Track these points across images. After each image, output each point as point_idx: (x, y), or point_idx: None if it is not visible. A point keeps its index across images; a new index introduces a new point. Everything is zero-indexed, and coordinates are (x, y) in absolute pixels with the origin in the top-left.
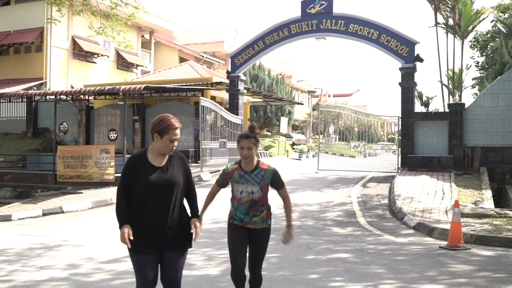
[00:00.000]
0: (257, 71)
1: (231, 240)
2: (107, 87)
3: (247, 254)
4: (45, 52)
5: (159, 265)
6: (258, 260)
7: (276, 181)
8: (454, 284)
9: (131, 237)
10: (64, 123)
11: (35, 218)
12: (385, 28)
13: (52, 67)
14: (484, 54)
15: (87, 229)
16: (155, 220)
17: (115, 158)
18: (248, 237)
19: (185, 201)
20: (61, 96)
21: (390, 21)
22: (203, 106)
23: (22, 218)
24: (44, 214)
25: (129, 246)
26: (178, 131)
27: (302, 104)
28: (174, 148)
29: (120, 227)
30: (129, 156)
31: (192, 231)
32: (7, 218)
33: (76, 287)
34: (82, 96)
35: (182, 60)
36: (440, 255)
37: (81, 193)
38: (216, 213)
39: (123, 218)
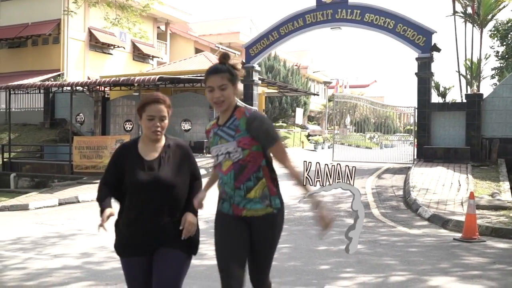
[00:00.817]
0: (273, 62)
1: (219, 237)
2: (122, 78)
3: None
4: (62, 44)
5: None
6: (262, 268)
7: (257, 133)
8: (467, 276)
9: (112, 215)
10: (81, 114)
11: (51, 208)
12: (401, 18)
13: (69, 58)
14: (505, 43)
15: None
16: (142, 225)
17: None
18: (248, 231)
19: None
20: (77, 87)
21: (406, 10)
22: None
23: (39, 208)
24: (60, 204)
25: (104, 223)
26: (159, 106)
27: (318, 95)
28: (159, 130)
29: (102, 210)
30: (120, 144)
31: (181, 227)
32: (25, 208)
33: (88, 275)
34: (98, 87)
35: (197, 51)
36: (454, 247)
37: (97, 183)
38: None
39: (104, 201)
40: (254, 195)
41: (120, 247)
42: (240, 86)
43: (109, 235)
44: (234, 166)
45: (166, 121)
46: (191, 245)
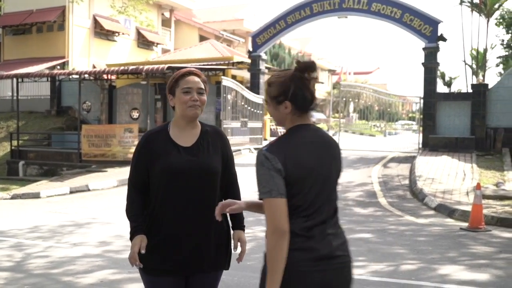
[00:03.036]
0: (278, 49)
1: None
2: (130, 67)
3: None
4: (67, 31)
5: None
6: None
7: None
8: (475, 265)
9: (143, 251)
10: (87, 102)
11: (62, 196)
12: (408, 7)
13: (74, 46)
14: (510, 32)
15: (113, 207)
16: (179, 226)
17: (138, 137)
18: None
19: None
20: (85, 76)
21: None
22: (225, 86)
23: (50, 196)
24: (71, 192)
25: (139, 263)
26: (194, 78)
27: (322, 83)
28: (198, 104)
29: (132, 236)
30: (144, 133)
31: (233, 248)
32: (36, 196)
33: (110, 263)
34: (105, 75)
35: (202, 38)
36: (460, 237)
37: (106, 171)
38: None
39: (136, 222)
40: None
41: (149, 262)
42: (246, 75)
43: (124, 224)
44: None
45: (205, 97)
46: (227, 263)
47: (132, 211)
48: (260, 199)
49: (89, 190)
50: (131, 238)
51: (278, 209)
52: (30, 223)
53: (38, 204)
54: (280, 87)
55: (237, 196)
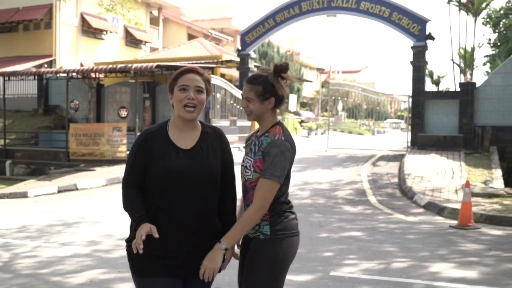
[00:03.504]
0: (266, 48)
1: None
2: (119, 66)
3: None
4: (54, 29)
5: None
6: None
7: (267, 156)
8: (465, 262)
9: (156, 235)
10: (75, 101)
11: (50, 195)
12: (396, 6)
13: (61, 44)
14: (497, 31)
15: (102, 206)
16: (175, 230)
17: (127, 136)
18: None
19: None
20: (72, 74)
21: None
22: (214, 84)
23: (38, 195)
24: (59, 191)
25: (141, 247)
26: (194, 76)
27: (311, 82)
28: (193, 103)
29: (137, 225)
30: (142, 131)
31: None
32: (24, 195)
33: (99, 263)
34: (93, 73)
35: (190, 36)
36: (450, 234)
37: (94, 170)
38: None
39: (139, 213)
40: None
41: (143, 262)
42: (235, 74)
43: (113, 223)
44: (243, 185)
45: (204, 96)
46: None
47: (133, 204)
48: (261, 176)
49: (77, 189)
50: (136, 228)
51: (274, 192)
52: (18, 223)
53: (26, 203)
54: (267, 86)
55: (233, 199)
